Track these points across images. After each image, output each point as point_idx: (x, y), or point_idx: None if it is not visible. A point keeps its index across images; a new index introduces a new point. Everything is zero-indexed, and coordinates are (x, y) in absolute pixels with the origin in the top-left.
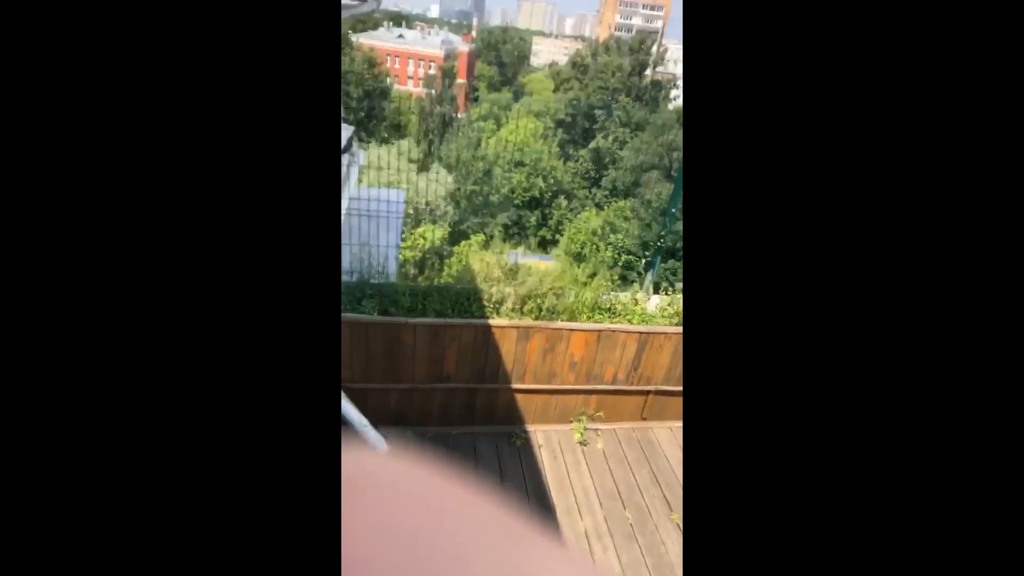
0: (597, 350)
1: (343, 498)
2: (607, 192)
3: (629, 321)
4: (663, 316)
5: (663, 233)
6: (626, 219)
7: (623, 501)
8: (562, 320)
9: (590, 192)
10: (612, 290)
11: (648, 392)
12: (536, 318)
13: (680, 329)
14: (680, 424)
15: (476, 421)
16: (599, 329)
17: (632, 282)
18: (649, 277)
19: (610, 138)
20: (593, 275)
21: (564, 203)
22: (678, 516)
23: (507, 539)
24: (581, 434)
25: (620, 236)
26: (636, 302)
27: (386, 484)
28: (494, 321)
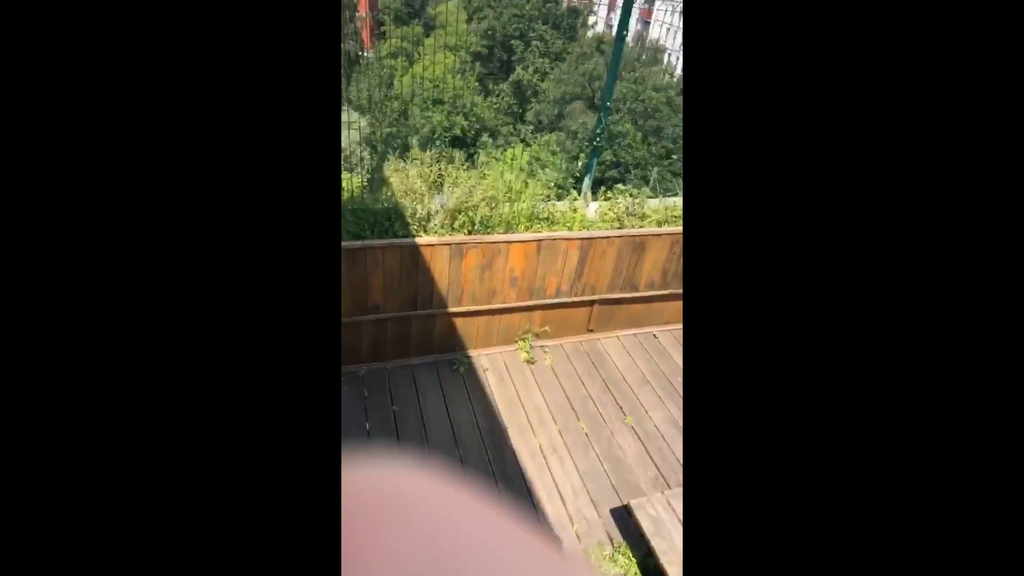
0: (538, 262)
1: (362, 515)
2: (532, 127)
3: (569, 229)
4: (604, 221)
5: (599, 131)
6: (553, 153)
7: (576, 413)
8: (498, 233)
9: (515, 128)
10: (548, 198)
11: (593, 302)
12: (469, 233)
13: (622, 232)
14: (628, 332)
15: (412, 353)
16: (539, 239)
17: (572, 187)
18: (586, 182)
19: (530, 69)
20: (527, 181)
21: (489, 141)
22: (632, 419)
23: (528, 549)
24: (527, 353)
25: (549, 171)
26: (575, 209)
27: (408, 498)
28: (422, 240)
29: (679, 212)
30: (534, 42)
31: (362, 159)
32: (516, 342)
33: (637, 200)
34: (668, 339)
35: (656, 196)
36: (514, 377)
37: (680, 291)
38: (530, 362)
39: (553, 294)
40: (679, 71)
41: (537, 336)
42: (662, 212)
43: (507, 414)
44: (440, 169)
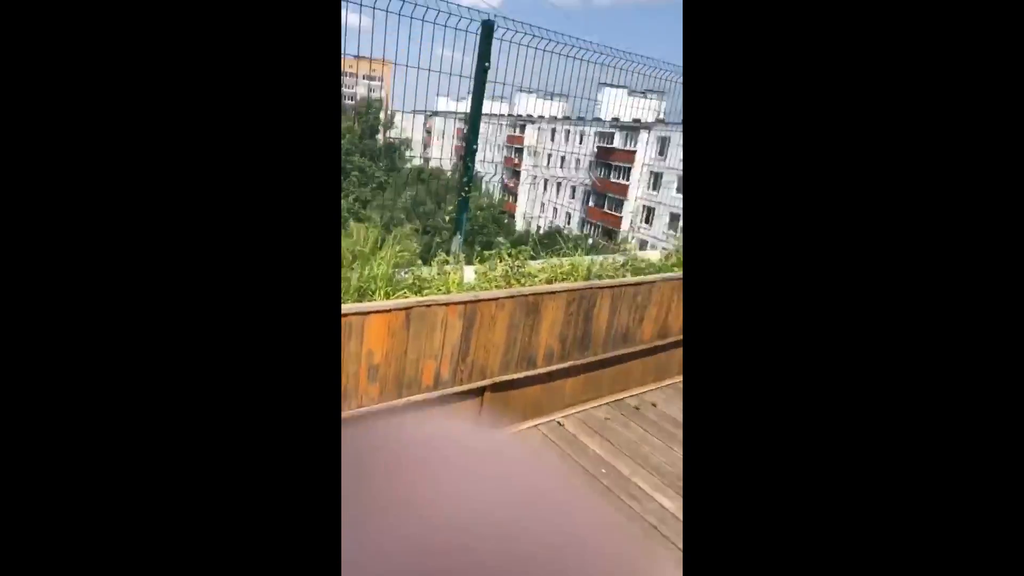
0: (408, 340)
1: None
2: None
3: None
4: (487, 282)
5: (466, 180)
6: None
7: None
8: (348, 303)
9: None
10: (411, 263)
11: (484, 389)
12: None
13: (512, 292)
14: (528, 424)
15: None
16: (407, 306)
17: (437, 251)
18: (456, 240)
19: (351, 198)
20: (381, 242)
21: None
22: None
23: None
24: None
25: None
26: (447, 273)
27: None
28: None
29: (567, 269)
30: (352, 173)
31: None
32: None
33: (517, 261)
34: (576, 424)
35: (537, 257)
36: None
37: (580, 360)
38: None
39: (431, 384)
40: (497, 196)
41: None
42: (549, 270)
43: None
44: None
